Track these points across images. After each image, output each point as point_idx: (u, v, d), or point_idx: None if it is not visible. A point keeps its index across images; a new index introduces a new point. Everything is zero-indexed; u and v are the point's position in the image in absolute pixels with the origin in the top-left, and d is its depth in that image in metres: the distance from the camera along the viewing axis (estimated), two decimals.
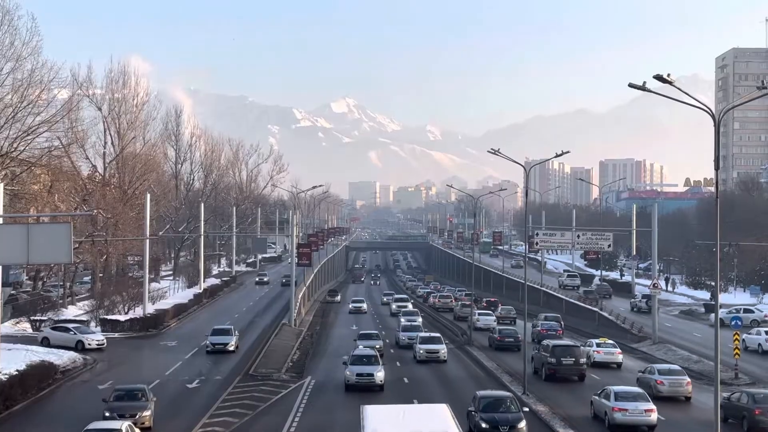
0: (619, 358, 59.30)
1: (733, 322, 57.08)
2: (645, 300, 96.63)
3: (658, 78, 29.29)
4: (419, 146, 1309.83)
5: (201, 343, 64.21)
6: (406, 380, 52.40)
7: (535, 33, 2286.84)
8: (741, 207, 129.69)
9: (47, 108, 78.77)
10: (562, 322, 79.36)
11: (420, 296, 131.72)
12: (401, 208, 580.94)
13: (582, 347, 58.62)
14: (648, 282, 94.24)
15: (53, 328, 63.72)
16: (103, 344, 62.73)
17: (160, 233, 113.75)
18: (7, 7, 71.35)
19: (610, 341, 62.92)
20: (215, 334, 63.93)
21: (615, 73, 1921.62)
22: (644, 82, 30.14)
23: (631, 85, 30.99)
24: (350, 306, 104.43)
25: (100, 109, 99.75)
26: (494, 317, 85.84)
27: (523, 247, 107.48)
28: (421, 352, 59.48)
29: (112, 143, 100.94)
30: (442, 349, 60.10)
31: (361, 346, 57.06)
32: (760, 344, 64.72)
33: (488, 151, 62.49)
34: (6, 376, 42.63)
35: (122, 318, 75.37)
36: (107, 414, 36.24)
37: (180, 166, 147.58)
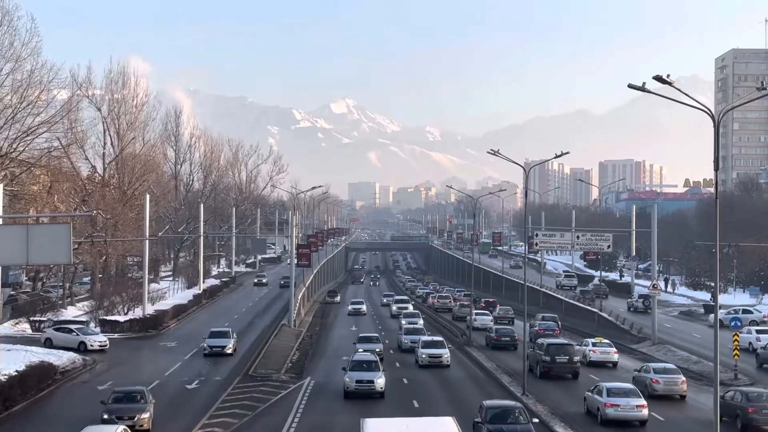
0: (615, 357, 60.01)
1: (732, 323, 57.15)
2: (642, 300, 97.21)
3: (658, 79, 29.28)
4: (419, 147, 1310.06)
5: (200, 344, 64.05)
6: (405, 381, 52.39)
7: (536, 34, 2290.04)
8: (740, 208, 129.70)
9: (47, 109, 78.88)
10: (560, 323, 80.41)
11: (419, 296, 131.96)
12: (401, 209, 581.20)
13: (578, 346, 59.68)
14: (647, 283, 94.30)
15: (56, 329, 63.59)
16: (105, 345, 62.52)
17: (160, 234, 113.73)
18: (6, 7, 71.50)
19: (606, 341, 63.47)
20: (213, 337, 62.88)
21: (615, 73, 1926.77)
22: (644, 83, 30.12)
23: (630, 86, 30.97)
24: (349, 307, 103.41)
25: (99, 109, 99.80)
26: (491, 317, 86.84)
27: (523, 247, 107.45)
28: (424, 356, 57.89)
29: (111, 144, 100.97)
30: (445, 353, 58.40)
31: (360, 350, 56.58)
32: (750, 343, 64.82)
33: (488, 152, 62.49)
34: (5, 377, 42.59)
35: (122, 319, 75.34)
36: (105, 416, 36.12)
37: (179, 166, 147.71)
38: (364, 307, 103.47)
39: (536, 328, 74.07)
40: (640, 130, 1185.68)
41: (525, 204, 73.38)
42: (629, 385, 42.75)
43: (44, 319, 70.78)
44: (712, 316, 77.28)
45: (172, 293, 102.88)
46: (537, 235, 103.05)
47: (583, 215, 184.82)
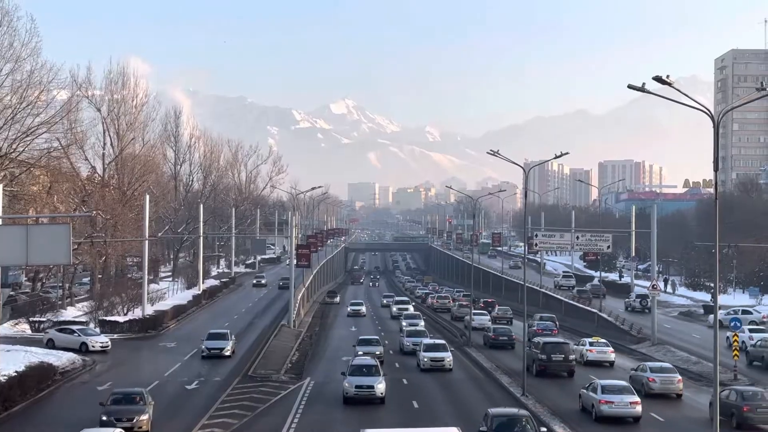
0: (612, 356, 60.58)
1: (731, 324, 57.20)
2: (639, 300, 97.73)
3: (658, 79, 29.31)
4: (418, 147, 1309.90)
5: (200, 345, 64.08)
6: (405, 381, 52.38)
7: (535, 34, 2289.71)
8: (740, 208, 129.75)
9: (46, 109, 78.89)
10: (559, 323, 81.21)
11: (418, 297, 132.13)
12: (400, 209, 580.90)
13: (575, 346, 60.97)
14: (647, 283, 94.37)
15: (58, 330, 63.53)
16: (107, 346, 62.40)
17: (159, 234, 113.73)
18: (6, 8, 71.55)
19: (603, 340, 63.97)
20: (211, 339, 61.96)
21: (614, 74, 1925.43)
22: (643, 84, 30.14)
23: (630, 87, 31.00)
24: (348, 309, 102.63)
25: (99, 110, 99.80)
26: (488, 317, 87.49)
27: (523, 248, 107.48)
28: (425, 360, 56.35)
29: (111, 144, 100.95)
30: (448, 357, 56.71)
31: (360, 352, 56.20)
32: (744, 342, 64.84)
33: (487, 152, 62.55)
34: (5, 378, 42.57)
35: (121, 319, 75.32)
36: (104, 418, 36.06)
37: (179, 167, 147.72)
38: (363, 309, 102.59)
39: (534, 328, 74.87)
40: (640, 131, 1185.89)
41: (524, 204, 73.41)
42: (623, 383, 43.52)
43: (44, 319, 70.80)
44: (711, 316, 77.32)
45: (171, 294, 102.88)
46: (537, 235, 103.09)
47: (583, 216, 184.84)
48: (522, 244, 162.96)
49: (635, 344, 73.29)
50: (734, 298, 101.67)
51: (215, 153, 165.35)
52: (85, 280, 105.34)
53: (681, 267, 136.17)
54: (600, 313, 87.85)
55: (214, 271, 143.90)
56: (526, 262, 65.93)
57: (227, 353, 60.84)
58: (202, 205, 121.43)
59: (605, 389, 41.29)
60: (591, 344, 61.53)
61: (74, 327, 64.57)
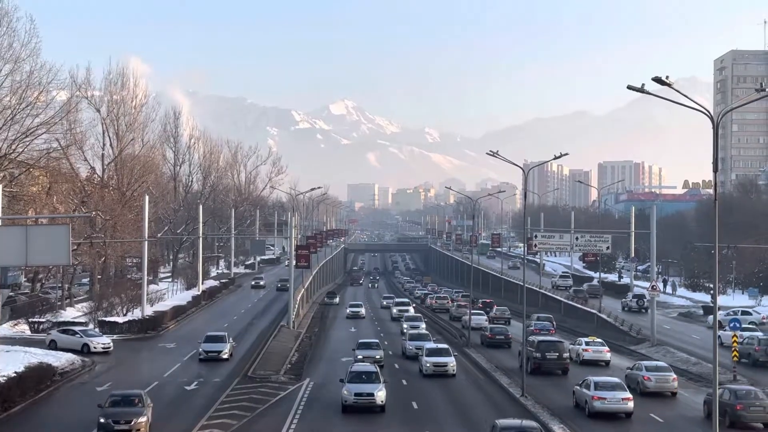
0: (607, 356, 61.36)
1: (731, 324, 57.36)
2: (636, 300, 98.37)
3: (657, 80, 29.32)
4: (418, 148, 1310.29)
5: (197, 347, 63.79)
6: (404, 382, 52.42)
7: (535, 34, 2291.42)
8: (739, 209, 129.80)
9: (46, 110, 78.93)
10: (558, 323, 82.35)
11: (418, 297, 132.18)
12: (400, 210, 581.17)
13: (571, 345, 62.10)
14: (646, 284, 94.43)
15: (60, 331, 63.47)
16: (109, 348, 62.23)
17: (159, 235, 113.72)
18: (5, 8, 71.64)
19: (599, 340, 64.74)
20: (208, 341, 60.83)
21: (614, 75, 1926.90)
22: (643, 85, 30.15)
23: (629, 88, 31.00)
24: (347, 310, 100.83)
25: (98, 110, 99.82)
26: (485, 317, 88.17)
27: (522, 249, 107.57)
28: (428, 365, 54.50)
29: (110, 145, 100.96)
30: (451, 362, 54.89)
31: (360, 356, 55.63)
32: (740, 342, 64.92)
33: (487, 153, 62.51)
34: (4, 378, 42.55)
35: (121, 320, 75.25)
36: (102, 420, 35.96)
37: (178, 167, 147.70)
38: (362, 310, 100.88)
39: (532, 328, 75.63)
40: (640, 132, 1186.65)
41: (524, 205, 73.41)
42: (616, 379, 44.53)
43: (43, 320, 70.78)
44: (710, 317, 77.36)
45: (171, 294, 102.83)
46: (536, 236, 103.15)
47: (582, 216, 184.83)
48: (521, 244, 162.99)
49: (635, 345, 73.31)
50: (733, 299, 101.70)
51: (215, 154, 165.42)
52: (85, 280, 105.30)
53: (680, 268, 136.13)
54: (599, 314, 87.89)
55: (213, 272, 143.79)
56: (526, 263, 65.94)
57: (225, 356, 59.79)
58: (201, 206, 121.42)
59: (598, 386, 42.25)
60: (587, 344, 62.36)
61: (76, 328, 64.48)
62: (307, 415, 41.80)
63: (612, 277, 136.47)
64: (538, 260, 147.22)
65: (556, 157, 55.91)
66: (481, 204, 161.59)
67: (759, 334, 65.51)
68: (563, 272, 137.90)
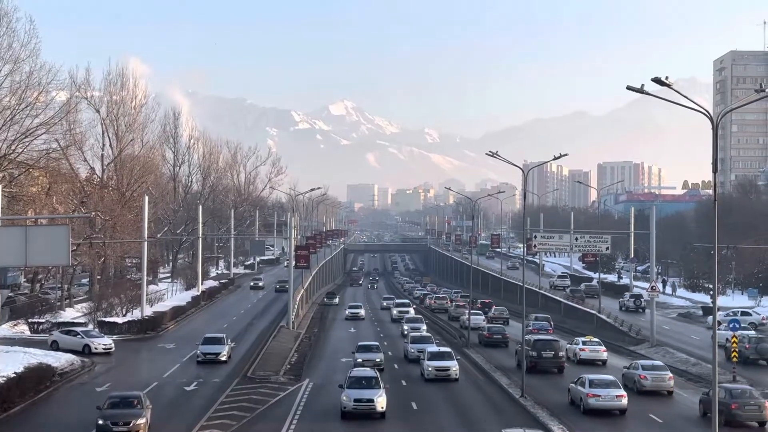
0: (604, 355, 61.99)
1: (730, 326, 57.50)
2: (633, 299, 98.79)
3: (657, 81, 29.32)
4: (417, 148, 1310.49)
5: (195, 349, 63.62)
6: (404, 383, 52.41)
7: (534, 35, 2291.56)
8: (739, 210, 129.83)
9: (45, 110, 78.97)
10: (556, 323, 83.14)
11: (417, 298, 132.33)
12: (399, 211, 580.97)
13: (569, 345, 63.22)
14: (646, 284, 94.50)
15: (62, 332, 63.41)
16: (110, 348, 62.16)
17: (158, 235, 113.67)
18: (5, 9, 71.65)
19: (596, 339, 65.15)
20: (206, 343, 60.02)
21: (613, 75, 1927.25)
22: (642, 85, 30.15)
23: (629, 88, 31.00)
24: (347, 312, 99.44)
25: (98, 111, 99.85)
26: (483, 317, 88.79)
27: (522, 249, 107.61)
28: (430, 369, 53.00)
29: (110, 145, 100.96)
30: (454, 366, 53.41)
31: (360, 359, 55.18)
32: (727, 339, 65.04)
33: (486, 154, 62.51)
34: (4, 379, 42.53)
35: (120, 320, 75.25)
36: (100, 422, 35.84)
37: (178, 168, 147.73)
38: (362, 312, 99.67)
39: (530, 327, 76.00)
40: (639, 132, 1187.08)
41: (524, 206, 73.45)
42: (610, 377, 45.45)
43: (43, 320, 70.77)
44: (710, 318, 77.30)
45: (170, 295, 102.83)
46: (536, 236, 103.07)
47: (582, 217, 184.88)
48: (521, 245, 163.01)
49: (634, 346, 73.35)
50: (733, 300, 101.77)
51: (214, 154, 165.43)
52: (84, 281, 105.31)
53: (680, 268, 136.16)
54: (599, 315, 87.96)
55: (213, 272, 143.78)
56: (525, 263, 66.07)
57: (223, 358, 58.97)
58: (201, 206, 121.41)
59: (592, 383, 43.14)
60: (584, 343, 62.99)
61: (78, 329, 64.46)
62: (306, 415, 41.79)
63: (612, 277, 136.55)
64: (537, 261, 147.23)
65: (555, 158, 55.87)
66: (480, 204, 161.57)
67: (749, 332, 65.95)
68: (561, 272, 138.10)
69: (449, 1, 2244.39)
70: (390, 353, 65.76)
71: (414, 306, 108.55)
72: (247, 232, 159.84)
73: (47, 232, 47.39)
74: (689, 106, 30.63)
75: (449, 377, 52.69)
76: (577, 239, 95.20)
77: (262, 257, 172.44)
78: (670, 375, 49.61)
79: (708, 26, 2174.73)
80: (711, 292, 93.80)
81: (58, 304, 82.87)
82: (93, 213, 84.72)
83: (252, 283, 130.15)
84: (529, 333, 71.61)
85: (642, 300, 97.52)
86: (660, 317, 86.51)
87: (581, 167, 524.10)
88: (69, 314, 78.61)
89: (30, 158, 77.45)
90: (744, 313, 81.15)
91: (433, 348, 57.94)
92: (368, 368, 48.60)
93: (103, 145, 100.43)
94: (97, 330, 68.91)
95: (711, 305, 76.14)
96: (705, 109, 30.48)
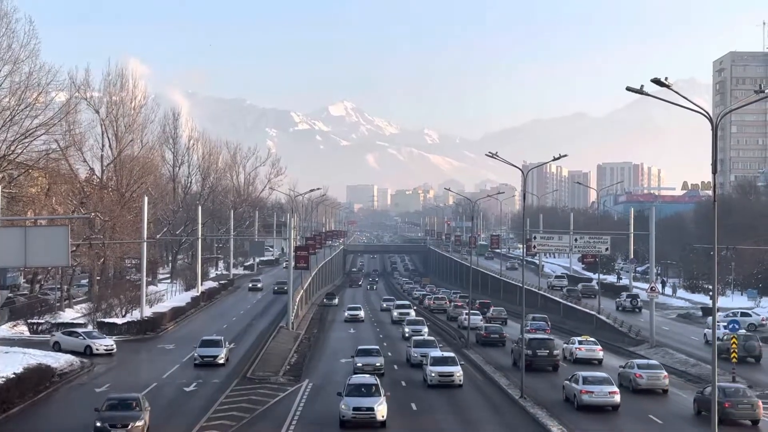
0: (600, 354, 62.49)
1: (730, 326, 57.53)
2: (630, 299, 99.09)
3: (656, 81, 29.34)
4: (417, 149, 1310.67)
5: (192, 352, 63.35)
6: (404, 383, 52.37)
7: (534, 35, 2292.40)
8: (738, 211, 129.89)
9: (45, 111, 78.98)
10: (551, 323, 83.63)
11: (416, 298, 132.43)
12: (399, 212, 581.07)
13: (565, 345, 64.36)
14: (645, 285, 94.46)
15: (65, 333, 63.34)
16: (112, 349, 62.05)
17: (158, 236, 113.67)
18: (5, 9, 71.69)
19: (592, 338, 65.59)
20: (204, 346, 58.91)
21: (613, 76, 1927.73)
22: (642, 86, 30.17)
23: (629, 89, 31.02)
24: (346, 314, 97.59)
25: (97, 112, 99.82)
26: (481, 317, 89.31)
27: (521, 250, 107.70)
28: (433, 375, 51.15)
29: (109, 146, 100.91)
30: (457, 371, 51.64)
31: (359, 364, 54.60)
32: (719, 338, 65.10)
33: (486, 155, 62.53)
34: (3, 380, 42.52)
35: (119, 321, 75.21)
36: (98, 424, 35.62)
37: (177, 169, 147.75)
38: (361, 313, 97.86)
39: (528, 328, 75.82)
40: (639, 133, 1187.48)
41: (523, 206, 73.45)
42: (603, 374, 46.44)
43: (42, 321, 70.76)
44: (709, 318, 77.30)
45: (170, 295, 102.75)
46: (535, 237, 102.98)
47: (582, 218, 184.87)
48: (520, 246, 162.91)
49: (633, 346, 73.30)
50: (733, 300, 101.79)
51: (214, 155, 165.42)
52: (84, 281, 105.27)
53: (679, 269, 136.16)
54: (598, 315, 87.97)
55: (212, 273, 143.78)
56: (525, 264, 66.24)
57: (221, 361, 57.98)
58: (200, 207, 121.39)
59: (586, 380, 44.16)
60: (580, 342, 63.51)
61: (79, 330, 64.42)
62: (306, 416, 41.77)
63: (611, 278, 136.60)
64: (537, 262, 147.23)
65: (555, 159, 55.82)
66: (480, 205, 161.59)
67: (740, 330, 66.03)
68: (559, 273, 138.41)
69: (449, 1, 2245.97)
70: (390, 354, 65.61)
71: (415, 308, 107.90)
72: (246, 232, 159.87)
73: (47, 232, 47.38)
74: (689, 106, 30.65)
75: (453, 383, 50.95)
76: (576, 240, 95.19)
77: (262, 258, 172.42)
78: (665, 374, 50.29)
79: (708, 27, 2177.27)
80: (710, 293, 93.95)
81: (58, 304, 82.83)
82: (92, 214, 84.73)
83: (250, 285, 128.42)
84: (527, 333, 72.00)
85: (638, 300, 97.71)
86: (659, 318, 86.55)
87: (581, 168, 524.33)
88: (68, 315, 78.61)
89: (29, 159, 77.44)
90: (743, 314, 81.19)
91: (436, 353, 56.26)
92: (368, 374, 47.73)
93: (103, 145, 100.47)
94: (98, 331, 68.90)
95: (710, 306, 76.30)
96: (704, 110, 30.50)
